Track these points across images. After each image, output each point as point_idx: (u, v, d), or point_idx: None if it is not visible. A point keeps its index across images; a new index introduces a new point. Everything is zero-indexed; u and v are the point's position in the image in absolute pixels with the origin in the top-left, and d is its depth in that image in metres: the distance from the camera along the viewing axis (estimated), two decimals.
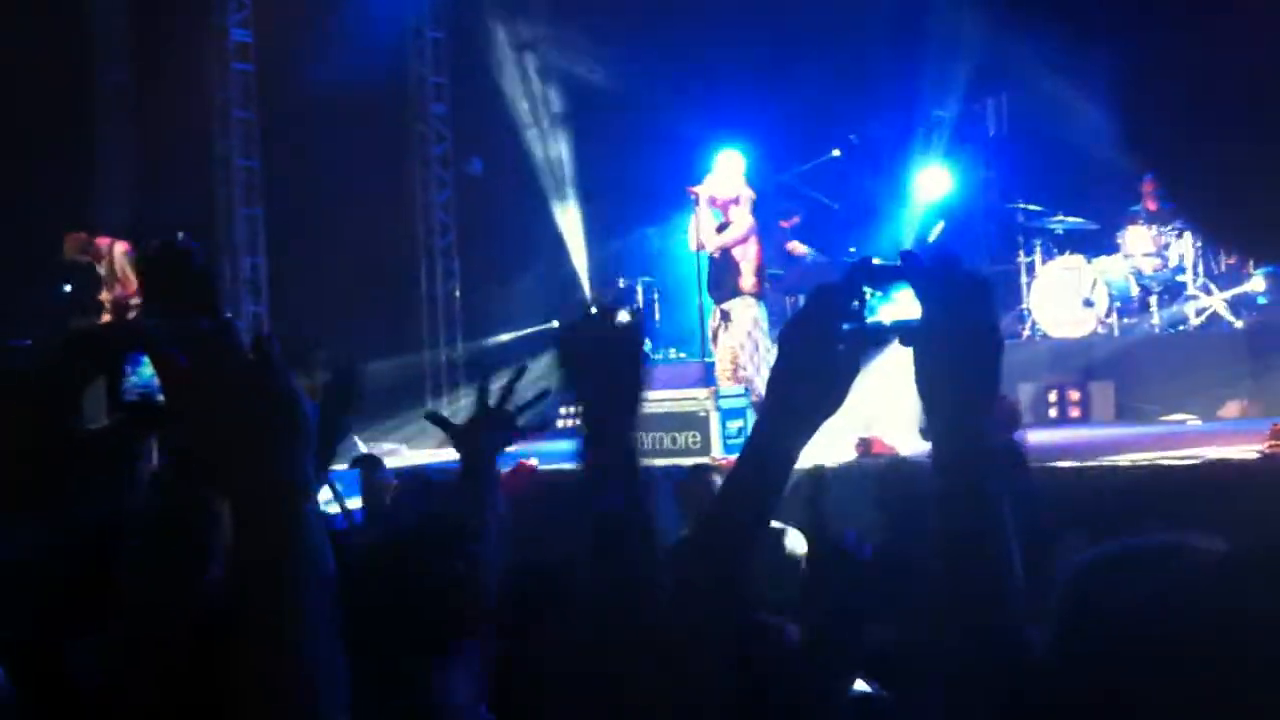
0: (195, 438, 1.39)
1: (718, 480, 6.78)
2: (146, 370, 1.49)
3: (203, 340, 1.40)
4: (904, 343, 1.55)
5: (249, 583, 1.33)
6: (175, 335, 1.41)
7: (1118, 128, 12.24)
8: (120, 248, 11.49)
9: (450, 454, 2.79)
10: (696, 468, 7.71)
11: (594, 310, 2.03)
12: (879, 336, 1.57)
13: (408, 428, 13.75)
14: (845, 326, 1.58)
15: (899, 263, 1.56)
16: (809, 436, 1.64)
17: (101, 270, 11.47)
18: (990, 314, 1.55)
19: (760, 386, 8.94)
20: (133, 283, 11.23)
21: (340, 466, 8.33)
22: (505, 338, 14.76)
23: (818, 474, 5.95)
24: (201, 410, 1.38)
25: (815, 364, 1.61)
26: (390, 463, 9.00)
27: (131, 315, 11.04)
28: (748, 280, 9.63)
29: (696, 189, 9.81)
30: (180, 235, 2.07)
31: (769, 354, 9.50)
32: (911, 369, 1.55)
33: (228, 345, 1.40)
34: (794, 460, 1.65)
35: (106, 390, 1.52)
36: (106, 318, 11.12)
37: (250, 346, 1.41)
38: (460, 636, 2.02)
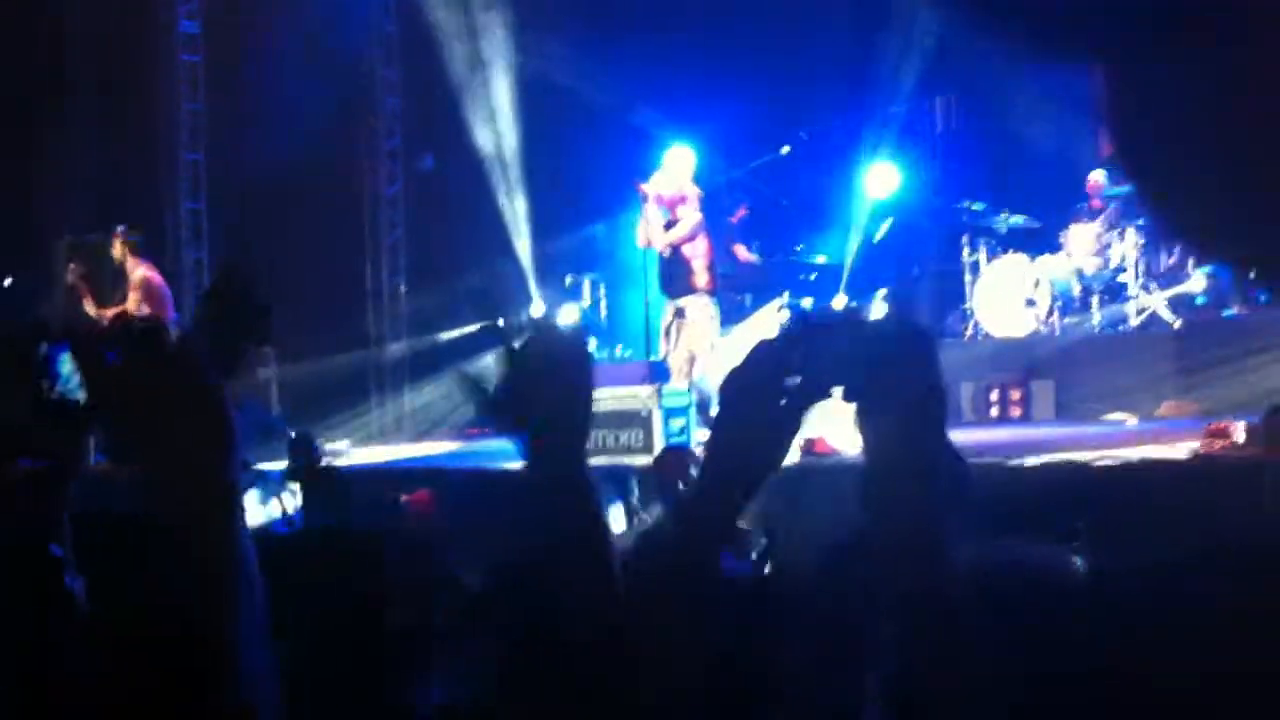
0: (122, 437, 1.39)
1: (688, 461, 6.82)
2: (65, 368, 1.47)
3: (133, 339, 1.39)
4: (846, 398, 1.55)
5: (181, 583, 1.34)
6: (105, 333, 1.40)
7: (1080, 116, 12.37)
8: (142, 272, 10.83)
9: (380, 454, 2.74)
10: (668, 449, 7.71)
11: (539, 324, 1.98)
12: (820, 391, 1.56)
13: (352, 425, 13.69)
14: (786, 381, 1.56)
15: (842, 316, 1.61)
16: (753, 493, 1.61)
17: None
18: (933, 368, 1.56)
19: (712, 385, 8.95)
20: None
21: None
22: (451, 335, 14.69)
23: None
24: (129, 409, 1.38)
25: (756, 420, 1.59)
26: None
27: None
28: (701, 277, 9.65)
29: (644, 186, 9.80)
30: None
31: (722, 352, 9.54)
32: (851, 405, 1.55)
33: (157, 345, 1.39)
34: (737, 517, 1.62)
35: (32, 391, 1.50)
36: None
37: (176, 347, 1.41)
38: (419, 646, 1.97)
